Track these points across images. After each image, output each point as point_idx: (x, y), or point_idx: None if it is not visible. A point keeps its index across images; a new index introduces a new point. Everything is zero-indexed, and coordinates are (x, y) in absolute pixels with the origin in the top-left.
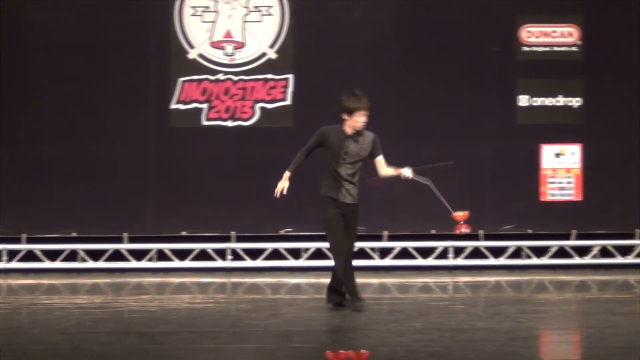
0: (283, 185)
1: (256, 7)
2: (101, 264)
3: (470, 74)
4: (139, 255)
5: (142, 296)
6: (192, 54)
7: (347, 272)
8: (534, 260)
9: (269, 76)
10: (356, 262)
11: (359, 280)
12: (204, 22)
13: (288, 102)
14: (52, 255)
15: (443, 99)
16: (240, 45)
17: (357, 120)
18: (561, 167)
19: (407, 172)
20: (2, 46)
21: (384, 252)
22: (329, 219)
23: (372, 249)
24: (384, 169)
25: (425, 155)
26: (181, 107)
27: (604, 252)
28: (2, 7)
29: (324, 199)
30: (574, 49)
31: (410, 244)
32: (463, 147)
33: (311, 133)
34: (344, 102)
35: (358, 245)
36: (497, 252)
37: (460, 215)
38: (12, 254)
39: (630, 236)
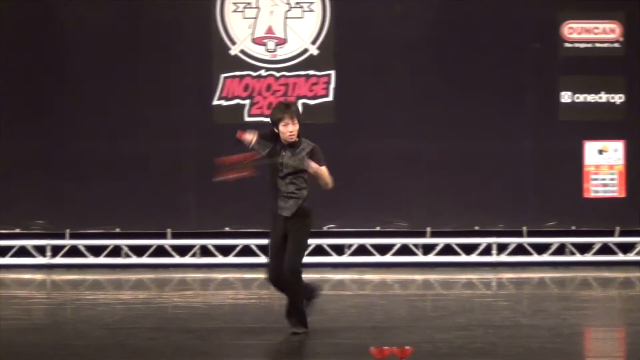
0: (251, 137)
1: (297, 3)
2: (145, 260)
3: (511, 71)
4: (182, 251)
5: (186, 292)
6: (234, 50)
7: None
8: (578, 257)
9: (311, 72)
10: (400, 258)
11: (403, 276)
12: (246, 18)
13: (330, 98)
14: (96, 250)
15: (484, 96)
16: (282, 42)
17: (284, 132)
18: (604, 163)
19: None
20: (44, 43)
21: (427, 249)
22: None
23: (416, 245)
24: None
25: (466, 153)
26: (223, 103)
27: None
28: (45, 4)
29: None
30: (616, 45)
31: (453, 240)
32: (505, 144)
33: (353, 129)
34: (270, 115)
35: (401, 241)
36: (541, 248)
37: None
38: (56, 250)
39: None
